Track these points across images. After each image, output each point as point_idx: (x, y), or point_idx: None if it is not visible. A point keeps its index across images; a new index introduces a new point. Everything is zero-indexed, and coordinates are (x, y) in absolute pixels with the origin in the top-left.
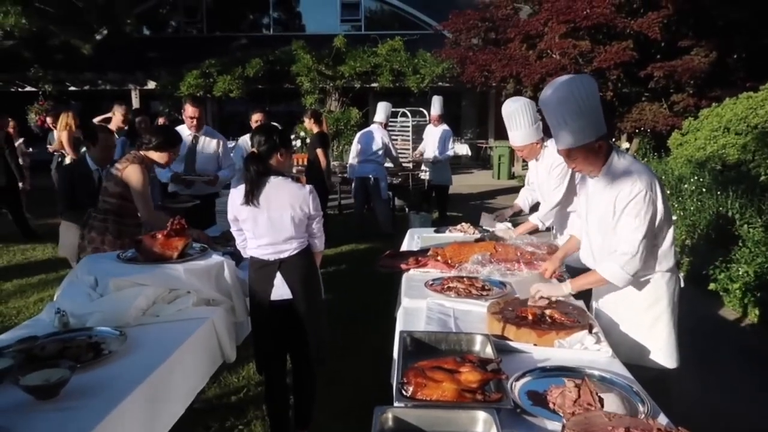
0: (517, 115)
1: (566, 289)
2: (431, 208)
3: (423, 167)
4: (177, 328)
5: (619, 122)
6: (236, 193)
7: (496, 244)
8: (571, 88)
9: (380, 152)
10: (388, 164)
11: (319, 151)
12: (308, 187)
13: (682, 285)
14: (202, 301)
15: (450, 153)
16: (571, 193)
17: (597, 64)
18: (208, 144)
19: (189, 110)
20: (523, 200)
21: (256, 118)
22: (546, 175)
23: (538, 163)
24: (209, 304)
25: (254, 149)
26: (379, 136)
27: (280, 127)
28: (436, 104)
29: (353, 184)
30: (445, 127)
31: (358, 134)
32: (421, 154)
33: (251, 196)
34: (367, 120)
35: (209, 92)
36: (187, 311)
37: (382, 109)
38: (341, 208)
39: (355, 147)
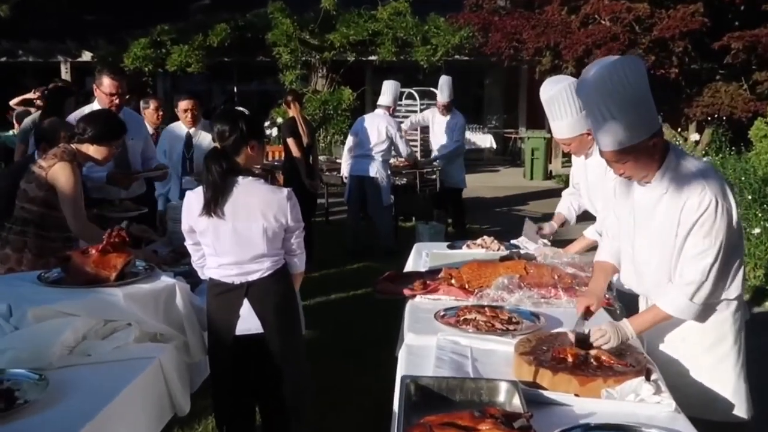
0: (560, 100)
1: (629, 329)
2: (444, 217)
3: (436, 164)
4: (114, 372)
5: (686, 107)
6: (194, 198)
7: (527, 264)
8: (618, 73)
9: (383, 145)
10: (392, 160)
11: (289, 142)
12: (286, 190)
13: (749, 315)
14: (146, 336)
15: (455, 146)
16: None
17: (658, 34)
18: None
19: (107, 84)
20: (566, 207)
21: (183, 107)
22: (600, 175)
23: (587, 161)
24: (156, 341)
25: (217, 143)
26: (383, 124)
27: (246, 113)
28: (445, 88)
29: (347, 185)
30: (457, 114)
31: (357, 121)
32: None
33: (213, 204)
34: (363, 102)
35: (161, 66)
36: (127, 349)
37: (389, 90)
38: (329, 215)
39: (351, 138)
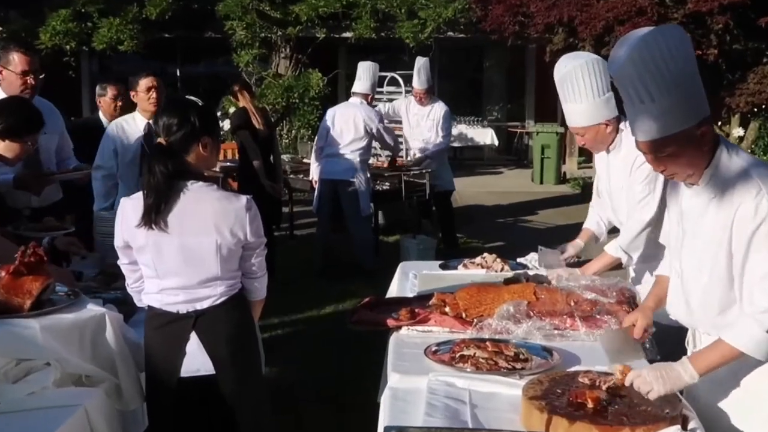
0: (577, 79)
1: (686, 374)
2: (434, 230)
3: (425, 164)
4: (29, 423)
5: (727, 97)
6: (130, 206)
7: (537, 288)
8: (657, 45)
9: (361, 142)
10: (371, 160)
11: (240, 135)
12: (244, 198)
13: None
14: (69, 379)
15: (446, 142)
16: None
17: (693, 7)
18: None
19: (18, 61)
20: (595, 222)
21: (146, 85)
22: (625, 176)
23: (610, 157)
24: (81, 384)
25: (161, 138)
26: (360, 116)
27: (200, 103)
28: (422, 72)
29: (316, 191)
30: (438, 103)
31: (328, 113)
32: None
33: (155, 213)
34: (335, 89)
35: (86, 44)
36: (45, 395)
37: (365, 74)
38: (294, 227)
39: (321, 133)
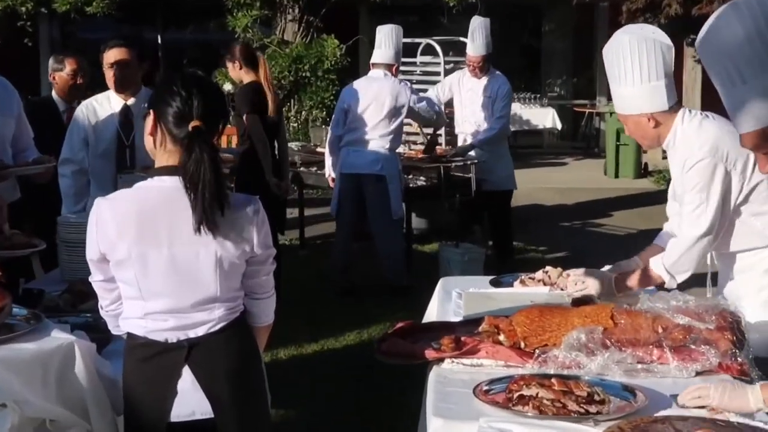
0: (626, 55)
1: (754, 399)
2: (484, 237)
3: (473, 154)
4: None
5: None
6: (107, 211)
7: (615, 311)
8: (751, 16)
9: (390, 125)
10: (401, 148)
11: (249, 120)
12: (251, 199)
13: None
14: (30, 424)
15: (500, 125)
16: (736, 214)
17: None
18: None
19: None
20: (668, 234)
21: (109, 59)
22: (677, 177)
23: (669, 154)
24: (45, 430)
25: (196, 121)
26: (386, 91)
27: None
28: (478, 35)
29: (334, 189)
30: (497, 76)
31: (346, 91)
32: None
33: (212, 216)
34: (355, 61)
35: (45, 5)
36: None
37: (387, 39)
38: (305, 233)
39: (338, 117)
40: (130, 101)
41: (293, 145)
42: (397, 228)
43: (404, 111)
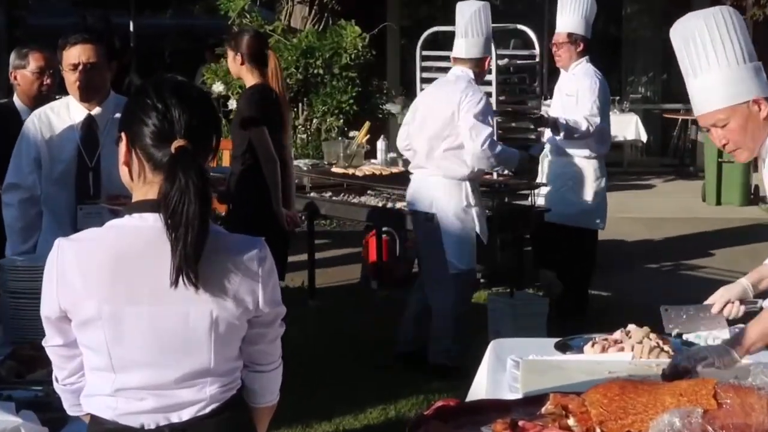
0: (706, 37)
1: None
2: (549, 281)
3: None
4: None
5: None
6: (71, 255)
7: (718, 387)
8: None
9: (450, 145)
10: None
11: (255, 134)
12: (256, 242)
13: None
14: None
15: (587, 126)
16: None
17: None
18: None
19: None
20: None
21: (70, 58)
22: None
23: None
24: None
25: (181, 141)
26: (453, 100)
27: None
28: (570, 4)
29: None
30: (584, 68)
31: (418, 98)
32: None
33: (193, 264)
34: (382, 53)
35: None
36: None
37: (474, 22)
38: (314, 279)
39: (403, 130)
40: (96, 110)
41: (301, 163)
42: (451, 287)
43: (465, 133)
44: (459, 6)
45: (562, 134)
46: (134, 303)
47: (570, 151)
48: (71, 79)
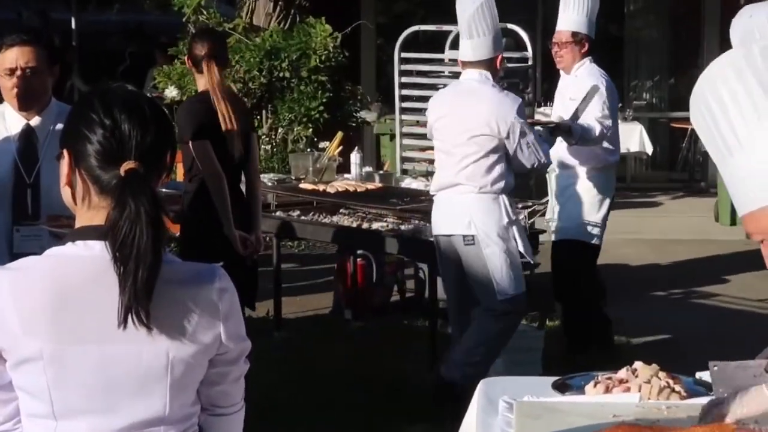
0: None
1: None
2: (548, 308)
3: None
4: None
5: None
6: (6, 287)
7: (739, 430)
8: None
9: (488, 159)
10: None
11: (195, 147)
12: (214, 270)
13: None
14: None
15: (591, 130)
16: None
17: None
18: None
19: None
20: None
21: (10, 61)
22: None
23: None
24: None
25: (131, 163)
26: (485, 105)
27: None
28: (574, 1)
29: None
30: (587, 68)
31: (430, 102)
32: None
33: (144, 303)
34: (355, 54)
35: None
36: None
37: (479, 20)
38: (281, 308)
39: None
40: (35, 120)
41: (265, 178)
42: (499, 316)
43: (511, 137)
44: (459, 4)
45: (575, 141)
46: (79, 342)
47: (575, 162)
48: (7, 85)
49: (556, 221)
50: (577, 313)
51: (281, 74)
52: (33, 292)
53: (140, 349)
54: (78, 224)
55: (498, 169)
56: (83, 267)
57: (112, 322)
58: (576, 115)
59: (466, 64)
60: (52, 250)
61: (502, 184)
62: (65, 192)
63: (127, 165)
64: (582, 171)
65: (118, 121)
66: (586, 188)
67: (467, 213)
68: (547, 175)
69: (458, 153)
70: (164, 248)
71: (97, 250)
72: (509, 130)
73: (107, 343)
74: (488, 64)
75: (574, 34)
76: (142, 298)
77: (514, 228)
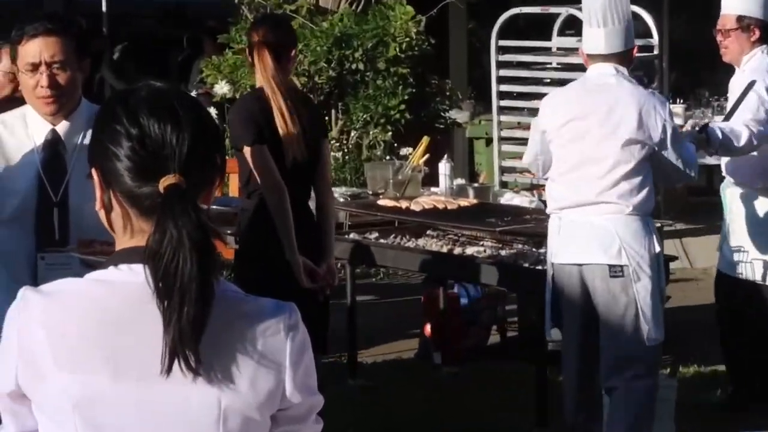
0: None
1: None
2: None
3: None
4: None
5: None
6: (39, 312)
7: None
8: None
9: (637, 172)
10: None
11: (252, 155)
12: (283, 307)
13: None
14: None
15: (749, 144)
16: None
17: None
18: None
19: None
20: None
21: (29, 55)
22: None
23: None
24: None
25: (173, 177)
26: (624, 108)
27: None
28: None
29: (547, 289)
30: (761, 61)
31: (545, 102)
32: None
33: (192, 343)
34: (444, 41)
35: None
36: None
37: (609, 6)
38: (356, 350)
39: (535, 148)
40: (62, 126)
41: (337, 192)
42: (645, 365)
43: (666, 144)
44: None
45: (714, 150)
46: (118, 379)
47: (745, 177)
48: (29, 83)
49: (722, 249)
50: (745, 360)
51: (354, 66)
52: (69, 319)
53: (188, 394)
54: (119, 246)
55: (648, 185)
56: (128, 294)
57: (157, 360)
58: (729, 117)
59: (596, 58)
60: (91, 274)
61: (652, 203)
62: (102, 216)
63: (166, 180)
64: (754, 188)
65: (147, 128)
66: (759, 211)
67: (616, 238)
68: (720, 192)
69: (604, 164)
70: (216, 278)
71: (144, 275)
72: (661, 135)
73: (150, 384)
74: (622, 58)
75: (740, 19)
76: (189, 340)
77: (661, 258)
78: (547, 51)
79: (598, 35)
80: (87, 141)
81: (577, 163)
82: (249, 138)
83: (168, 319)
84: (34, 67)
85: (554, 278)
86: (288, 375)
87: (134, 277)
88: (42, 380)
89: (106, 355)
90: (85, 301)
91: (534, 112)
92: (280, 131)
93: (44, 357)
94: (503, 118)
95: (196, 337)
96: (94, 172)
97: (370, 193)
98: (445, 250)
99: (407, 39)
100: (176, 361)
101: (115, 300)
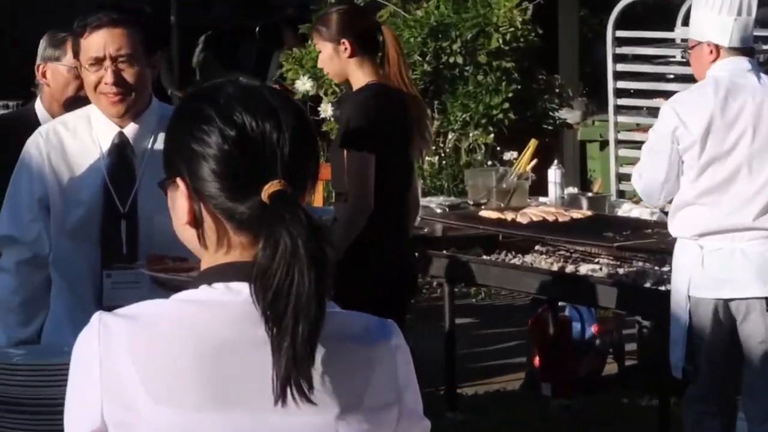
0: None
1: None
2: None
3: None
4: None
5: None
6: (124, 339)
7: None
8: None
9: None
10: None
11: (357, 162)
12: (387, 326)
13: None
14: None
15: None
16: None
17: None
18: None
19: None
20: None
21: (92, 49)
22: None
23: None
24: None
25: (278, 182)
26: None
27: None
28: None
29: (673, 325)
30: None
31: (672, 103)
32: None
33: (305, 371)
34: (552, 30)
35: None
36: None
37: None
38: (455, 380)
39: (667, 162)
40: (130, 128)
41: (433, 203)
42: None
43: None
44: None
45: None
46: (228, 414)
47: None
48: (92, 80)
49: None
50: None
51: (451, 59)
52: (162, 347)
53: (304, 423)
54: (207, 264)
55: None
56: (227, 316)
57: (266, 388)
58: None
59: (730, 51)
60: (178, 294)
61: None
62: (188, 234)
63: (271, 186)
64: None
65: (245, 128)
66: None
67: None
68: None
69: (758, 181)
70: (329, 294)
71: (245, 295)
72: None
73: (264, 416)
74: (750, 52)
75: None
76: (303, 365)
77: None
78: (669, 42)
79: (729, 24)
80: (159, 145)
81: (723, 181)
82: (367, 141)
83: (279, 343)
84: (98, 62)
85: (692, 312)
86: (400, 398)
87: (233, 296)
88: (136, 414)
89: (210, 386)
90: (178, 325)
91: (654, 112)
92: (419, 128)
93: (134, 390)
94: (620, 118)
95: (309, 360)
96: (179, 182)
97: (471, 203)
98: (555, 268)
99: (512, 29)
100: (288, 389)
101: (215, 324)
